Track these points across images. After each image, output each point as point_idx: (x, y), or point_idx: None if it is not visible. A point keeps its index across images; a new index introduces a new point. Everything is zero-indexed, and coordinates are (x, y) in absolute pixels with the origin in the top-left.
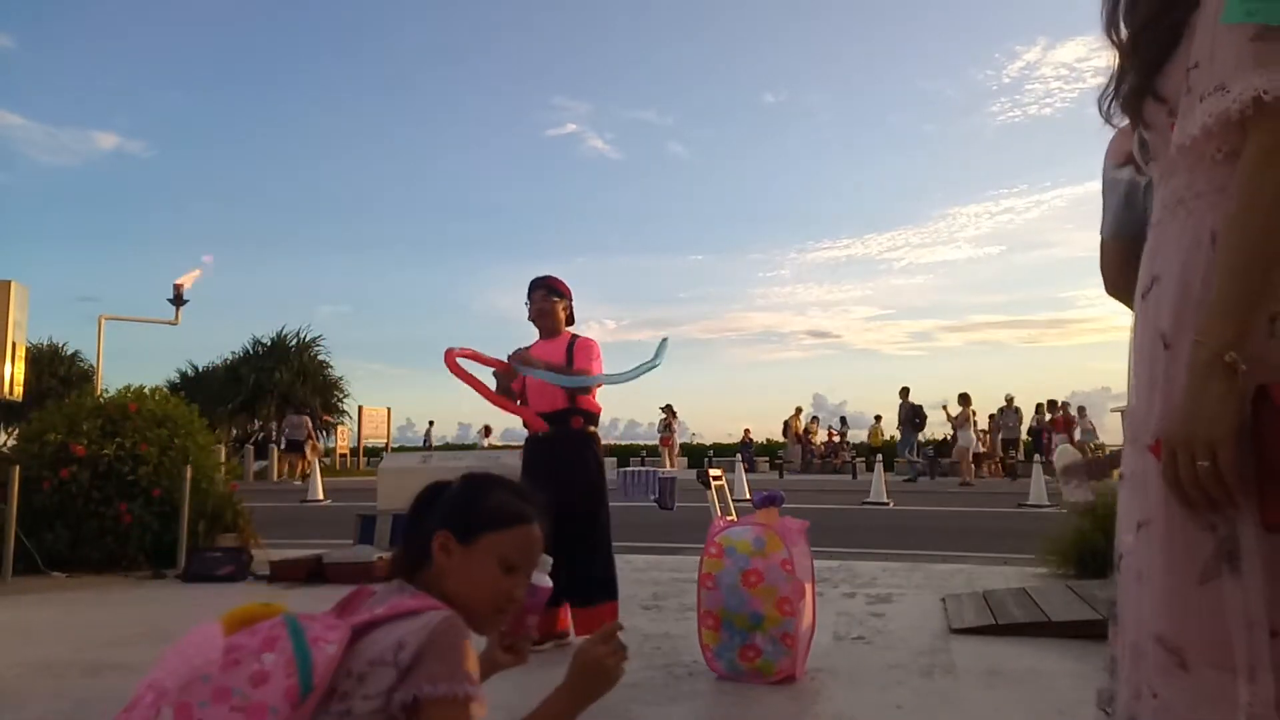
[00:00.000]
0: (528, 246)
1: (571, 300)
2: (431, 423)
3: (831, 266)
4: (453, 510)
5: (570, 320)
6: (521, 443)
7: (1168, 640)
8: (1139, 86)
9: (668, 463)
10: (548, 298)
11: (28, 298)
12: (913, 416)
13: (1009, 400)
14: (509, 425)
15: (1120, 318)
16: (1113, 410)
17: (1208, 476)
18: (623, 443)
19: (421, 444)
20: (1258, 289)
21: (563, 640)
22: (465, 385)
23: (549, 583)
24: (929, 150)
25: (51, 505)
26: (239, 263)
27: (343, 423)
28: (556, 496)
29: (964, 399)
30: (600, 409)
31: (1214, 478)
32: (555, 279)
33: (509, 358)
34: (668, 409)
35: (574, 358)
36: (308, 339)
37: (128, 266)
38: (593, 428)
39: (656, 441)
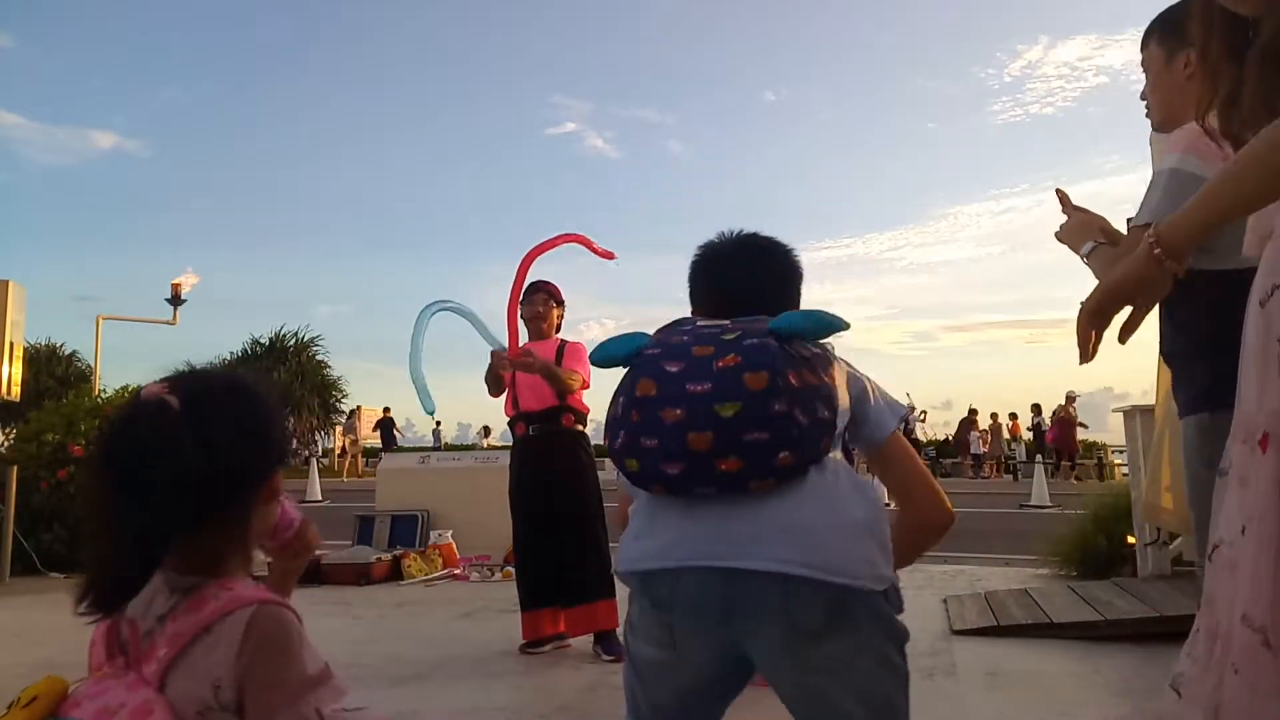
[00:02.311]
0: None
1: (564, 310)
2: (439, 422)
3: (832, 266)
4: (283, 438)
5: (559, 328)
6: None
7: (1253, 619)
8: (1255, 93)
9: None
10: (547, 302)
11: (25, 297)
12: None
13: (1070, 398)
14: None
15: (1123, 318)
16: (1114, 410)
17: None
18: None
19: (433, 443)
20: None
21: (561, 643)
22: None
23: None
24: (930, 149)
25: (49, 506)
26: (237, 262)
27: (340, 423)
28: (550, 495)
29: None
30: (589, 409)
31: None
32: (555, 286)
33: (502, 356)
34: None
35: (563, 358)
36: (306, 339)
37: (126, 266)
38: (581, 426)
39: None
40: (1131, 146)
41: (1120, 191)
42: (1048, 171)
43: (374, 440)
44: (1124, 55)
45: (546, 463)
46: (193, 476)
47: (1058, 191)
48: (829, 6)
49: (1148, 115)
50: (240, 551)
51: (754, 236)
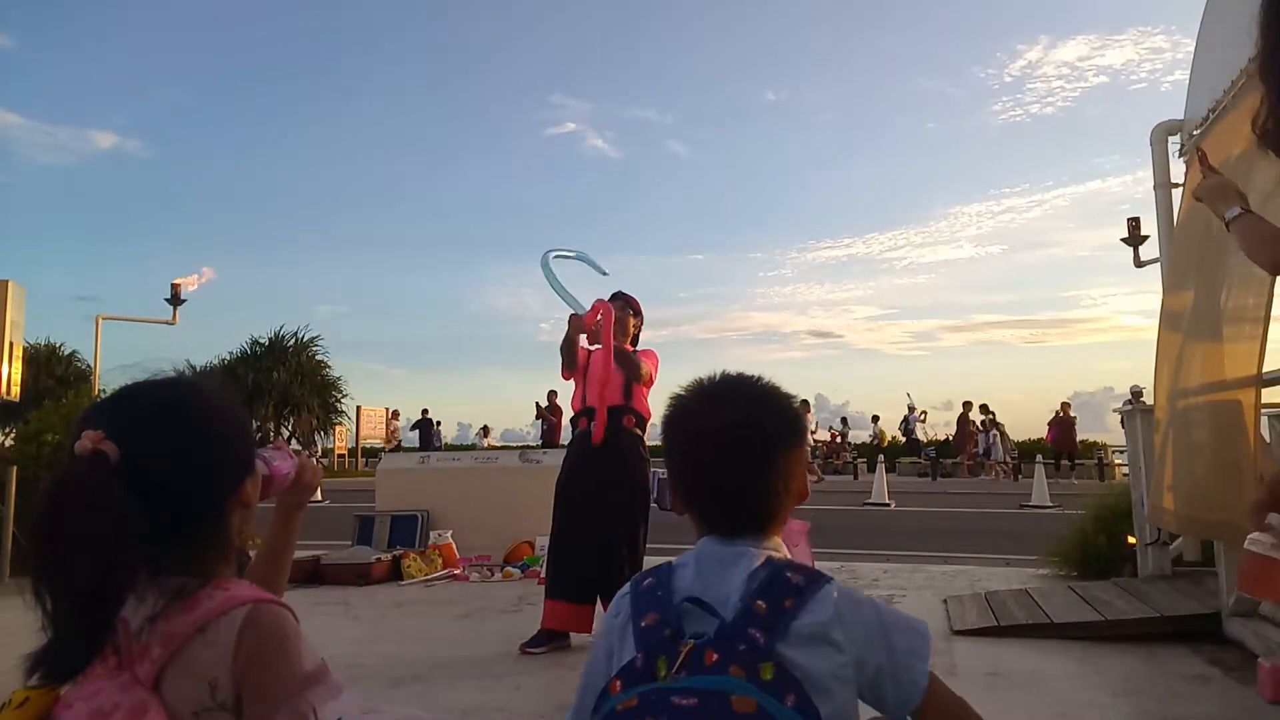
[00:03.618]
0: (527, 246)
1: (641, 321)
2: (439, 422)
3: (833, 266)
4: (244, 447)
5: (636, 339)
6: (521, 443)
7: None
8: None
9: None
10: (624, 309)
11: (25, 297)
12: None
13: (1136, 394)
14: (508, 426)
15: (1123, 318)
16: (1115, 410)
17: None
18: None
19: (432, 443)
20: None
21: (561, 643)
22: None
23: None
24: (930, 149)
25: None
26: (237, 262)
27: (341, 423)
28: (600, 491)
29: (804, 404)
30: (651, 414)
31: None
32: (635, 299)
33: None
34: None
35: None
36: (306, 339)
37: (125, 266)
38: (640, 430)
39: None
40: (1131, 146)
41: (1119, 191)
42: (1047, 171)
43: (376, 439)
44: (1124, 55)
45: (603, 459)
46: (142, 527)
47: (1198, 149)
48: (830, 7)
49: None
50: (225, 557)
51: (746, 399)
